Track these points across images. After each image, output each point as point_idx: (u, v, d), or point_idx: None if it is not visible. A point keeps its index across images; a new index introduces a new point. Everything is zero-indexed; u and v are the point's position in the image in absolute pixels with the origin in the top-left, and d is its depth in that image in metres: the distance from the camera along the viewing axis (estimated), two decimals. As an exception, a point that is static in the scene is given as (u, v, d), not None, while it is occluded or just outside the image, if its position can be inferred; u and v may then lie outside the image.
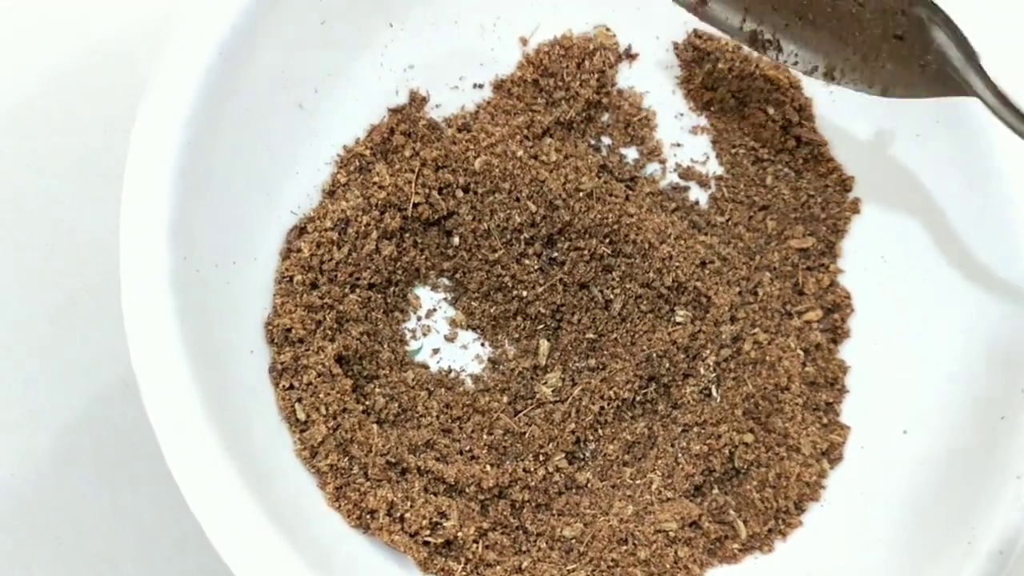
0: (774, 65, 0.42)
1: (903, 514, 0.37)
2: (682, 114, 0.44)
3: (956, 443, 0.37)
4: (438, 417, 0.39)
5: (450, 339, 0.41)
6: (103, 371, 0.41)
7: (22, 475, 0.41)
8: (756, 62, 0.43)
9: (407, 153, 0.41)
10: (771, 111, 0.43)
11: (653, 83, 0.44)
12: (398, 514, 0.35)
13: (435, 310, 0.42)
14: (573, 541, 0.37)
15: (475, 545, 0.36)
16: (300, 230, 0.39)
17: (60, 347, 0.42)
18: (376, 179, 0.40)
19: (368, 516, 0.35)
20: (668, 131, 0.44)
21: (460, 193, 0.41)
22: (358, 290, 0.39)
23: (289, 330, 0.37)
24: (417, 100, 0.42)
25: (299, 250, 0.38)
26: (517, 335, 0.42)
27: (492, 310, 0.41)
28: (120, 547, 0.41)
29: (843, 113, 0.42)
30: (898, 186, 0.41)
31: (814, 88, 0.43)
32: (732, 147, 0.44)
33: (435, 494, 0.37)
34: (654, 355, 0.40)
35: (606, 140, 0.44)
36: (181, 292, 0.31)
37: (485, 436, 0.39)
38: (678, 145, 0.44)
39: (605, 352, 0.41)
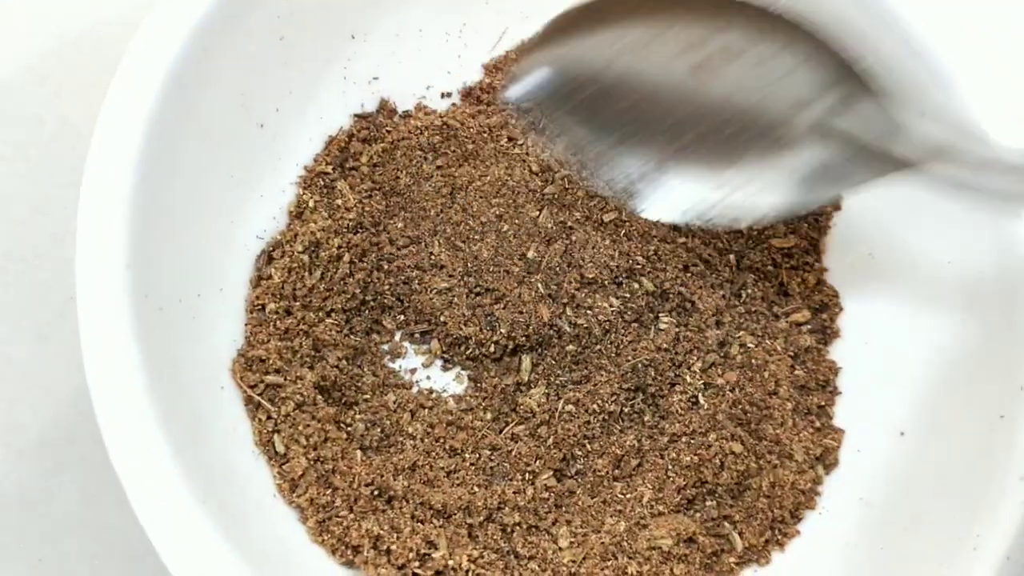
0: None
1: (904, 520, 0.36)
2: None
3: (955, 443, 0.36)
4: (422, 439, 0.38)
5: (427, 365, 0.40)
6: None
7: (4, 491, 0.39)
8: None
9: (364, 160, 0.40)
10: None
11: (625, 86, 0.43)
12: (384, 547, 0.34)
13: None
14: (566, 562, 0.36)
15: (466, 574, 0.35)
16: (269, 256, 0.37)
17: (47, 362, 0.40)
18: (339, 200, 0.39)
19: (352, 551, 0.34)
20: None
21: None
22: (334, 314, 0.38)
23: (264, 361, 0.35)
24: (387, 109, 0.41)
25: (270, 277, 0.37)
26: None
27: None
28: (104, 569, 0.39)
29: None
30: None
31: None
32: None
33: (422, 521, 0.35)
34: (639, 364, 0.39)
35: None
36: (144, 332, 0.30)
37: (470, 455, 0.38)
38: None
39: (589, 364, 0.40)
